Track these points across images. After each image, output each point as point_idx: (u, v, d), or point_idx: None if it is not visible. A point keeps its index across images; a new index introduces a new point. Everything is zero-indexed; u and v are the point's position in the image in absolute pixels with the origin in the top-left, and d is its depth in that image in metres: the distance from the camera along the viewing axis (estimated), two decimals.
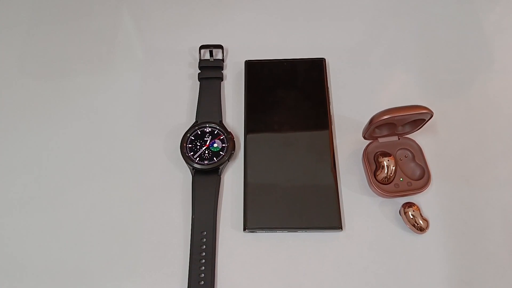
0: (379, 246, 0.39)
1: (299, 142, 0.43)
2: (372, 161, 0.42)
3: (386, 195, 0.40)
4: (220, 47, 0.49)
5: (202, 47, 0.49)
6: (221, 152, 0.42)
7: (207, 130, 0.44)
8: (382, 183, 0.40)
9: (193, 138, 0.43)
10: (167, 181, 0.43)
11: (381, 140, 0.42)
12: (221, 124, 0.44)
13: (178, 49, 0.51)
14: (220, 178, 0.42)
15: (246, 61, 0.48)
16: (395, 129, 0.41)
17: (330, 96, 0.47)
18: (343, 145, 0.44)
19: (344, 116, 0.46)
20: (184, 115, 0.46)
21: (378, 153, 0.41)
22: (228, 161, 0.42)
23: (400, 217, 0.40)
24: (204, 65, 0.48)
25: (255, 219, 0.40)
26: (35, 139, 0.46)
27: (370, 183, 0.41)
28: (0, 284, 0.39)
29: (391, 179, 0.40)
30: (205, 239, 0.39)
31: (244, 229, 0.39)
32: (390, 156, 0.40)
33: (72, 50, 0.51)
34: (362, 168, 0.43)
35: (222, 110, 0.46)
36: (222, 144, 0.43)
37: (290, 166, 0.42)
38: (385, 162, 0.40)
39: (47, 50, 0.51)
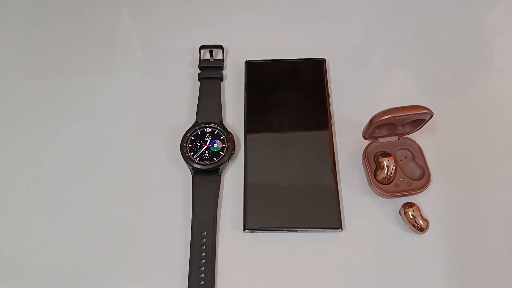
0: (379, 246, 0.39)
1: (299, 142, 0.43)
2: (372, 161, 0.42)
3: (386, 195, 0.40)
4: (220, 47, 0.49)
5: (202, 47, 0.49)
6: (221, 152, 0.42)
7: (207, 130, 0.44)
8: (382, 183, 0.40)
9: (193, 138, 0.43)
10: (167, 181, 0.43)
11: (381, 140, 0.42)
12: (221, 124, 0.44)
13: (178, 49, 0.51)
14: (220, 178, 0.42)
15: (246, 61, 0.48)
16: (395, 129, 0.41)
17: (330, 96, 0.47)
18: (343, 145, 0.44)
19: (344, 116, 0.46)
20: (184, 115, 0.46)
21: (378, 153, 0.41)
22: (228, 161, 0.42)
23: (400, 217, 0.40)
24: (204, 65, 0.48)
25: (255, 219, 0.40)
26: (35, 139, 0.45)
27: (370, 183, 0.41)
28: (0, 284, 0.39)
29: (391, 179, 0.40)
30: (205, 239, 0.39)
31: (244, 229, 0.39)
32: (390, 156, 0.40)
33: (72, 50, 0.51)
34: (362, 168, 0.43)
35: (222, 110, 0.46)
36: (222, 144, 0.43)
37: (290, 166, 0.42)
38: (385, 162, 0.40)
39: (47, 50, 0.51)
